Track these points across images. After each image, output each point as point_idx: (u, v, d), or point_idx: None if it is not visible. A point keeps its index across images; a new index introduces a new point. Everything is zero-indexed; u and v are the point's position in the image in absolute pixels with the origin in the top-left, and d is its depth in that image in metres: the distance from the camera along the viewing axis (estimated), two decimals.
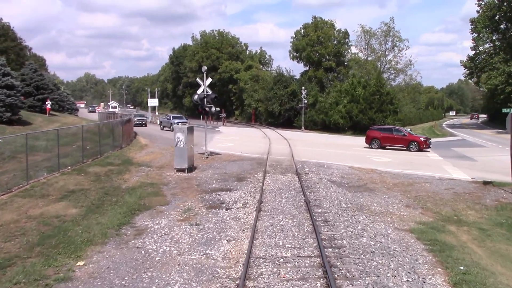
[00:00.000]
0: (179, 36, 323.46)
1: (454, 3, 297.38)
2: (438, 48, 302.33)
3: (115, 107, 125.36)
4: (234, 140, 39.61)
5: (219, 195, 15.59)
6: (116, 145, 28.75)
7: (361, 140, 41.21)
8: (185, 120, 51.74)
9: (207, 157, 25.89)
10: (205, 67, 26.12)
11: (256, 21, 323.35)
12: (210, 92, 26.43)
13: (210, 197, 15.25)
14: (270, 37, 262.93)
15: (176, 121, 50.51)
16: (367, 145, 32.89)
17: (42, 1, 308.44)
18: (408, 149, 30.79)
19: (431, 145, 31.18)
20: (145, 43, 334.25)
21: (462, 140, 42.15)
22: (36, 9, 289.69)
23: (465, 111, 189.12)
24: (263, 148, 31.40)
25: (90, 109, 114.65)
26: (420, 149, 30.43)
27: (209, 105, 26.11)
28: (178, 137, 20.44)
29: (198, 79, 26.47)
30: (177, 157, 20.50)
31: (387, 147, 32.01)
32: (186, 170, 20.41)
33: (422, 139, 31.31)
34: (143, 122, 60.50)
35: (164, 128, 52.82)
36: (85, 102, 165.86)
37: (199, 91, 26.29)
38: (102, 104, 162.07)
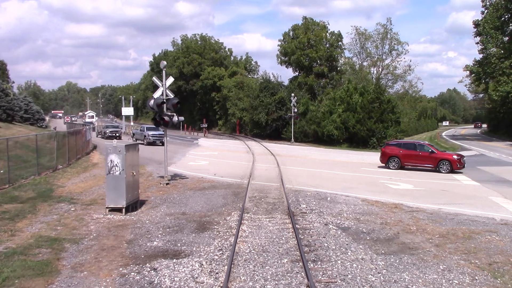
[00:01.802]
0: (167, 46, 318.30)
1: (440, 15, 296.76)
2: (424, 59, 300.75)
3: (92, 117, 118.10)
4: (211, 156, 32.84)
5: (155, 269, 8.83)
6: (50, 166, 21.83)
7: (365, 156, 34.76)
8: (161, 132, 44.79)
9: (167, 184, 19.12)
10: (164, 62, 19.40)
11: (243, 31, 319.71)
12: (172, 96, 19.75)
13: (138, 277, 8.48)
14: (257, 47, 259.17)
15: (150, 132, 43.69)
16: (383, 165, 26.35)
17: (28, 11, 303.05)
18: (437, 170, 24.29)
19: (465, 165, 24.70)
20: (132, 53, 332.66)
21: (481, 156, 35.80)
22: (21, 19, 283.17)
23: (457, 121, 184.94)
24: (244, 168, 24.73)
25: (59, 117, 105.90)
26: (452, 170, 23.96)
27: (169, 113, 19.42)
28: (111, 161, 13.65)
29: (154, 78, 19.77)
30: (110, 191, 13.69)
31: (408, 166, 25.49)
32: (123, 210, 13.63)
33: (455, 157, 24.70)
34: (117, 134, 53.31)
35: (137, 141, 45.84)
36: (62, 111, 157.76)
37: (157, 94, 19.60)
38: (80, 113, 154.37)
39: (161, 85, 19.45)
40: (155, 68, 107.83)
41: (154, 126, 52.96)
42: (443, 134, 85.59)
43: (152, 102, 19.09)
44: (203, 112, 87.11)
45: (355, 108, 48.32)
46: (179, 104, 19.64)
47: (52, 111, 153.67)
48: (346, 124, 48.16)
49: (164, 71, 19.31)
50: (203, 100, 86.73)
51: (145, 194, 16.98)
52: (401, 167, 25.45)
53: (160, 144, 43.53)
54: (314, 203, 15.39)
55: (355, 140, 47.94)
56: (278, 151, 37.22)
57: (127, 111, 73.56)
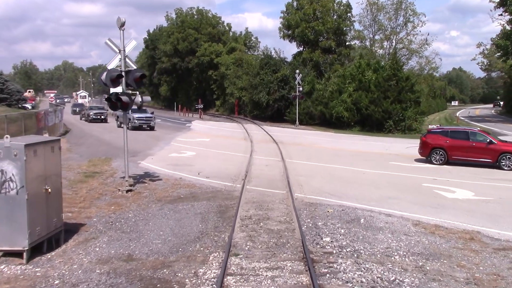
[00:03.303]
0: (163, 22, 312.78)
1: None
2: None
3: (84, 97, 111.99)
4: (201, 144, 27.18)
5: None
6: None
7: (386, 143, 28.99)
8: (149, 115, 38.98)
9: (128, 191, 13.52)
10: (123, 19, 13.51)
11: (244, 10, 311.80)
12: (134, 67, 14.01)
13: None
14: (258, 26, 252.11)
15: (136, 115, 37.88)
16: (424, 157, 20.67)
17: None
18: (498, 166, 18.64)
19: None
20: (132, 32, 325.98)
21: None
22: None
23: (465, 100, 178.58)
24: (239, 163, 19.11)
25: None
26: None
27: (130, 91, 13.73)
28: (1, 173, 7.97)
29: (108, 41, 13.91)
30: (2, 223, 8.07)
31: (456, 160, 19.78)
32: (25, 254, 8.04)
33: None
34: (102, 117, 47.46)
35: (122, 125, 40.14)
36: (55, 91, 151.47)
37: (112, 64, 13.85)
38: (74, 94, 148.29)
39: (117, 51, 13.70)
40: (149, 45, 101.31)
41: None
42: (457, 114, 79.65)
43: (104, 75, 13.35)
44: (199, 91, 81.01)
45: (368, 86, 42.36)
46: (143, 78, 13.92)
47: (45, 91, 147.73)
48: (358, 105, 42.26)
49: (122, 32, 13.54)
50: (200, 79, 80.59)
51: (87, 212, 11.41)
52: (447, 162, 19.75)
53: (148, 128, 37.79)
54: (342, 231, 9.81)
55: (368, 123, 42.12)
56: (281, 137, 31.56)
57: (116, 90, 67.40)
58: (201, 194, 13.50)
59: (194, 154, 22.50)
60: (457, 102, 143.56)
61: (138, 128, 36.84)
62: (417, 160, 20.90)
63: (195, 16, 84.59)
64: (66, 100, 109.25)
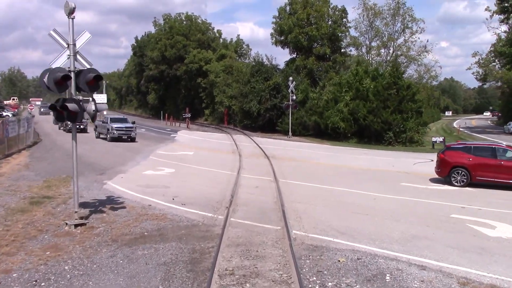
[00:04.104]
0: (152, 28, 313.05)
1: (432, 4, 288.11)
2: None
3: None
4: (182, 159, 24.07)
5: None
6: None
7: (389, 157, 26.02)
8: (129, 125, 35.72)
9: (76, 225, 10.43)
10: (73, 4, 10.41)
11: (236, 19, 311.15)
12: (87, 66, 10.93)
13: None
14: (250, 35, 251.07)
15: (115, 125, 34.75)
16: (441, 177, 17.72)
17: None
18: None
19: None
20: (124, 41, 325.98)
21: None
22: (12, 6, 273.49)
23: (458, 111, 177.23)
24: (223, 184, 16.05)
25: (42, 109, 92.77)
26: None
27: (80, 98, 10.67)
28: None
29: (52, 32, 10.78)
30: None
31: (481, 182, 16.74)
32: None
33: None
34: (82, 126, 43.98)
35: (100, 136, 36.88)
36: (41, 99, 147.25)
37: (57, 63, 10.74)
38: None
39: (65, 45, 10.63)
40: (137, 52, 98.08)
41: (121, 116, 44.53)
42: (454, 125, 77.19)
43: (46, 77, 10.27)
44: (188, 100, 77.76)
45: (366, 95, 39.58)
46: (99, 81, 10.86)
47: (31, 99, 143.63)
48: (355, 115, 39.44)
49: (71, 21, 10.49)
50: (188, 87, 77.36)
51: (9, 261, 8.29)
52: (470, 183, 16.80)
53: (129, 139, 34.58)
54: None
55: (366, 134, 39.27)
56: (273, 151, 28.57)
57: (99, 98, 63.89)
58: (172, 230, 10.41)
59: (172, 171, 19.40)
60: (450, 112, 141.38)
61: (118, 139, 33.67)
62: (433, 181, 17.92)
63: (184, 22, 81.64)
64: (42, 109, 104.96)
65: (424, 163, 24.19)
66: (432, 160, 25.06)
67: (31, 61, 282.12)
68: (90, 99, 10.61)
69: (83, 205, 12.29)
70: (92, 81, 10.53)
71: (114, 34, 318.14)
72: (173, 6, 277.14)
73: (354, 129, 39.95)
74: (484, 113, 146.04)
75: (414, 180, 17.90)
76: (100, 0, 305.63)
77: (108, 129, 34.67)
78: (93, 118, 11.04)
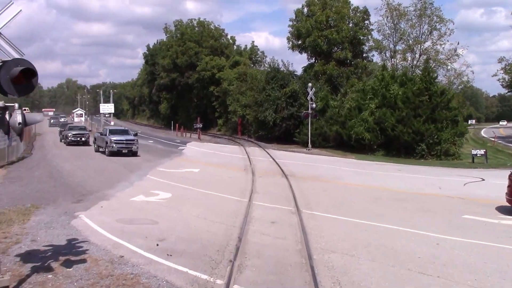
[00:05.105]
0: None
1: (449, 12, 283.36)
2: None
3: (80, 115, 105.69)
4: (184, 178, 20.32)
5: None
6: None
7: (432, 176, 21.43)
8: (130, 137, 32.05)
9: None
10: None
11: (251, 29, 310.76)
12: (13, 56, 7.13)
13: None
14: (265, 45, 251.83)
15: (114, 138, 31.12)
16: (510, 205, 13.47)
17: (37, 10, 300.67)
18: None
19: None
20: (140, 51, 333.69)
21: None
22: (30, 18, 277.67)
23: (480, 119, 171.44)
24: (228, 219, 12.13)
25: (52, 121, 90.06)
26: None
27: (1, 104, 6.88)
28: None
29: None
30: None
31: None
32: None
33: None
34: (83, 139, 40.62)
35: (100, 149, 33.34)
36: (54, 110, 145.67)
37: None
38: (74, 112, 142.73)
39: None
40: (149, 61, 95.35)
41: (121, 127, 40.94)
42: (483, 133, 72.32)
43: None
44: (200, 109, 74.37)
45: (394, 102, 35.55)
46: (33, 78, 7.10)
47: (43, 110, 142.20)
48: (382, 125, 35.41)
49: None
50: (200, 95, 74.00)
51: None
52: None
53: (130, 154, 30.88)
54: None
55: (394, 146, 35.15)
56: (292, 167, 24.70)
57: (106, 108, 60.72)
58: None
59: (168, 196, 15.62)
60: (474, 120, 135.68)
61: (117, 153, 30.09)
62: (502, 211, 13.62)
63: (196, 29, 78.54)
64: (62, 119, 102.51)
65: (475, 183, 20.03)
66: (483, 179, 20.95)
67: (49, 73, 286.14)
68: (15, 106, 6.87)
69: (27, 255, 8.62)
70: (20, 78, 6.79)
71: (131, 44, 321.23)
72: (189, 16, 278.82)
73: (380, 140, 35.88)
74: (500, 122, 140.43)
75: (477, 211, 13.74)
76: (116, 11, 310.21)
77: (106, 142, 31.11)
78: (20, 134, 7.27)
